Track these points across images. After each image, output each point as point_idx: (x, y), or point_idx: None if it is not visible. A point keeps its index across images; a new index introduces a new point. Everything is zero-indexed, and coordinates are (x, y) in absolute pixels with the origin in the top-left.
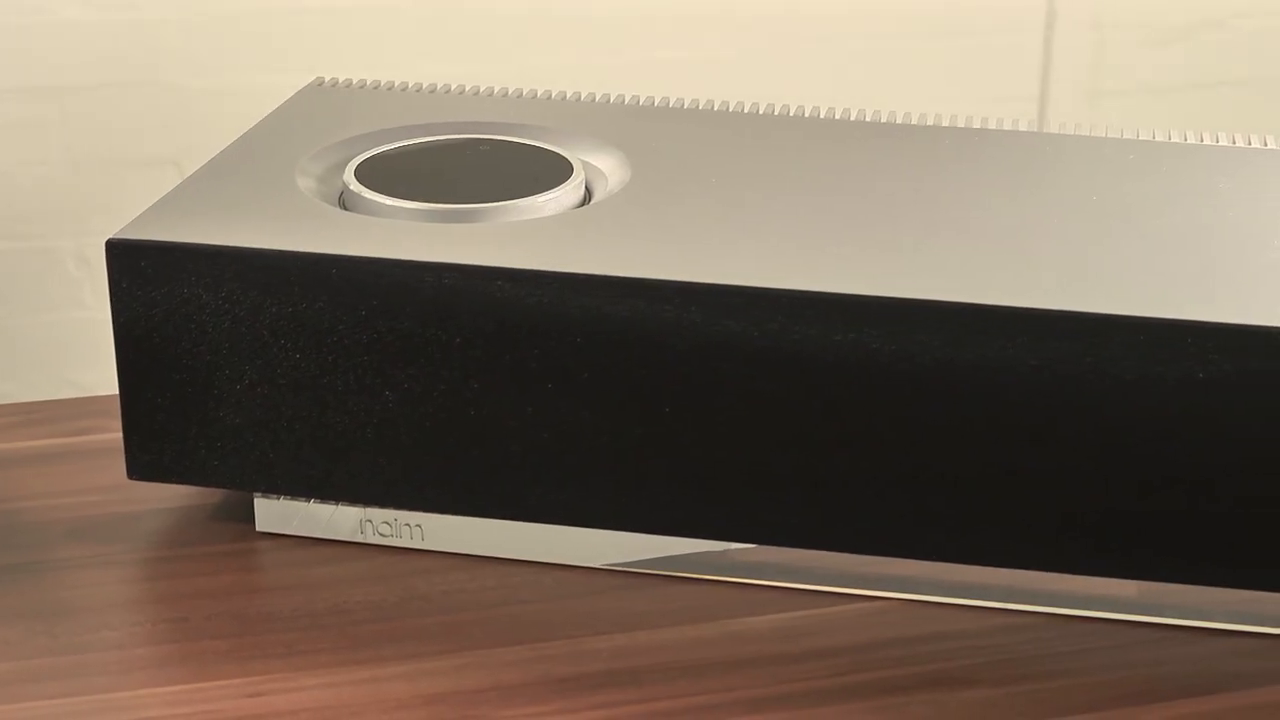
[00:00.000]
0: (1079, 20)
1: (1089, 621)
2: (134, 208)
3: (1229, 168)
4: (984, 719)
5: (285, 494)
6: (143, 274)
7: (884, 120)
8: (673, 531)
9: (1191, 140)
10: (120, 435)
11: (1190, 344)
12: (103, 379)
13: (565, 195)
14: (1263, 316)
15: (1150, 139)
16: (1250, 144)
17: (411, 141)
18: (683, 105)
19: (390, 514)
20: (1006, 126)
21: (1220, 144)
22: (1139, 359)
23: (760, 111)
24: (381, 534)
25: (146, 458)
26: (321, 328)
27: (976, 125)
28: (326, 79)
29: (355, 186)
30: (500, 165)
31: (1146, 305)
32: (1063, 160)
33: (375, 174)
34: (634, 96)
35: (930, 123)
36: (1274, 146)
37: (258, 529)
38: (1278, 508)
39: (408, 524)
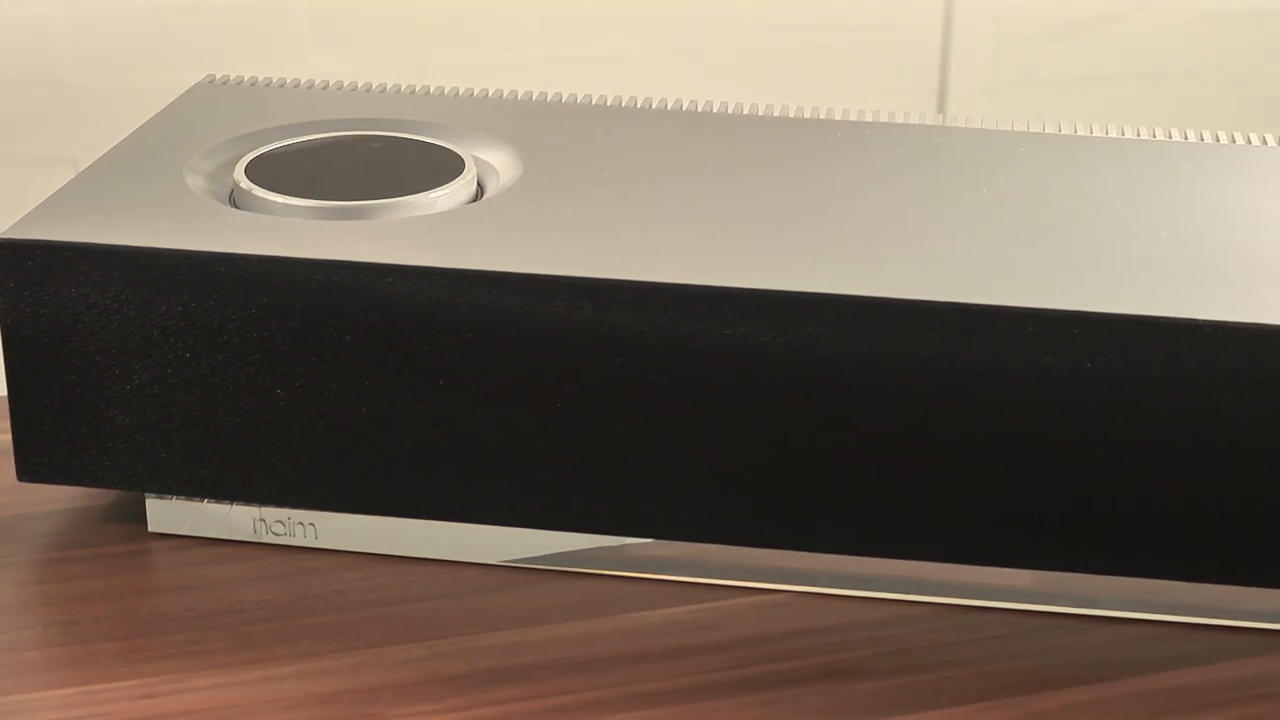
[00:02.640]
0: (979, 14)
1: (982, 611)
2: (30, 207)
3: (1120, 160)
4: (876, 710)
5: (177, 494)
6: (29, 274)
7: (777, 114)
8: (566, 527)
9: (1082, 132)
10: (9, 437)
11: (1078, 334)
12: None
13: (457, 191)
14: (1150, 306)
15: (1041, 131)
16: (1139, 136)
17: (303, 139)
18: (575, 101)
19: (284, 513)
20: (901, 119)
21: (1110, 136)
22: (1028, 350)
23: (653, 107)
24: (275, 533)
25: (36, 459)
26: (212, 327)
27: (869, 119)
28: (218, 76)
29: (246, 184)
30: (392, 162)
31: (1035, 296)
32: (954, 153)
33: (266, 171)
34: (527, 92)
35: (823, 116)
36: (1162, 138)
37: (150, 530)
38: (1167, 495)
39: (301, 523)
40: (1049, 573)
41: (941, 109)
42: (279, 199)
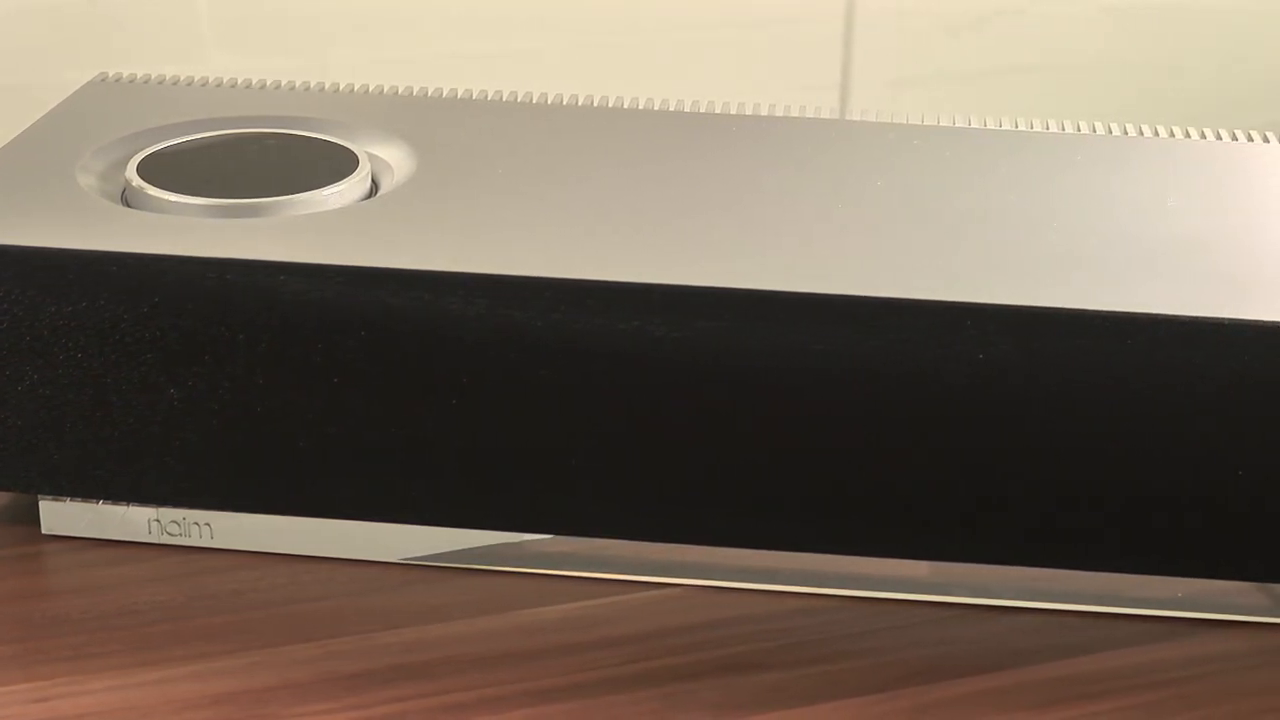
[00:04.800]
0: (880, 9)
1: (880, 603)
2: None
3: (1016, 152)
4: (775, 702)
5: (71, 496)
6: None
7: (674, 109)
8: (463, 524)
9: (976, 125)
10: None
11: (970, 326)
12: None
13: (350, 188)
14: (1042, 298)
15: (936, 124)
16: (1032, 128)
17: (196, 136)
18: (471, 96)
19: (179, 513)
20: (797, 113)
21: (1005, 129)
22: (921, 342)
23: (549, 102)
24: (170, 534)
25: None
26: (103, 327)
27: (765, 113)
28: (110, 74)
29: (137, 182)
30: (285, 159)
31: (926, 289)
32: (850, 147)
33: (158, 170)
34: (423, 89)
35: (719, 111)
36: (1055, 130)
37: (43, 531)
38: (1061, 485)
39: (197, 523)
40: (946, 563)
41: (845, 104)
42: (171, 197)
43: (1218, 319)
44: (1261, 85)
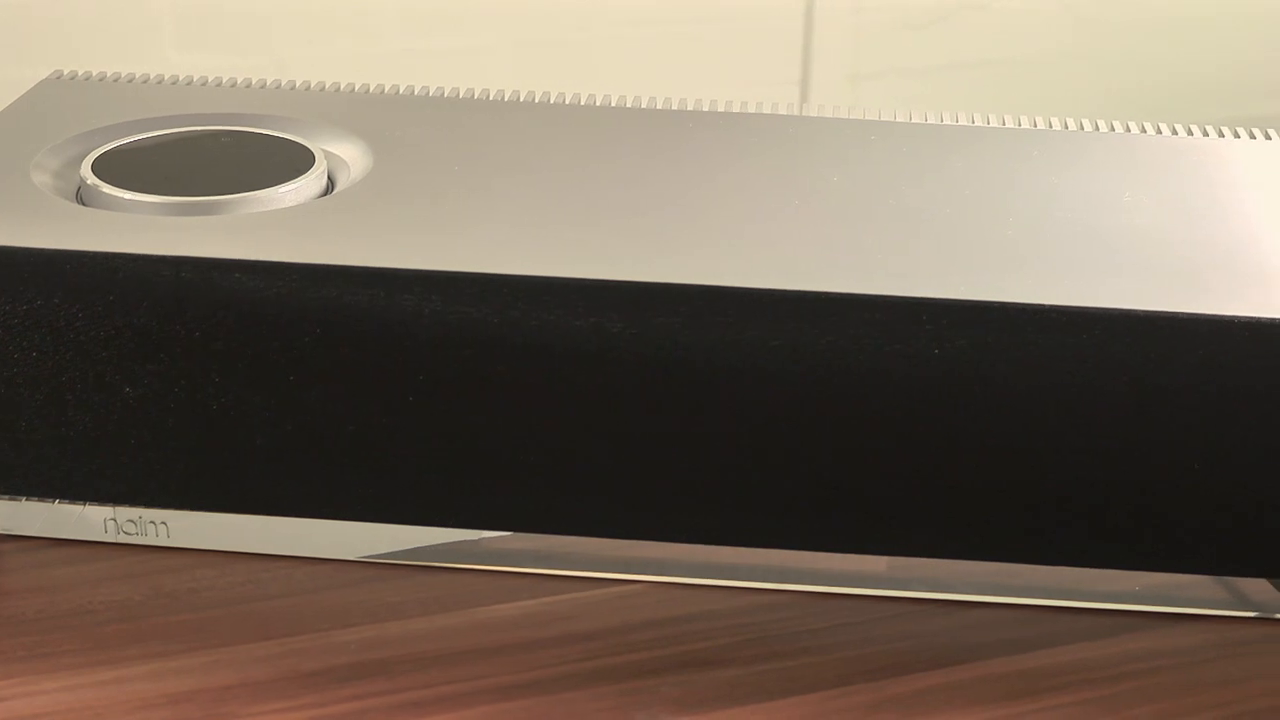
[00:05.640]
0: (839, 4)
1: (839, 598)
2: None
3: (972, 147)
4: (734, 698)
5: (27, 495)
6: None
7: (631, 105)
8: (421, 521)
9: (933, 120)
10: None
11: (926, 321)
12: None
13: (306, 186)
14: (997, 292)
15: (894, 120)
16: (989, 123)
17: (151, 134)
18: (427, 94)
19: (136, 512)
20: (754, 109)
21: (961, 124)
22: (876, 337)
23: (506, 99)
24: (127, 533)
25: None
26: (58, 325)
27: (722, 109)
28: (65, 71)
29: (92, 180)
30: (242, 157)
31: (882, 284)
32: (807, 143)
33: (113, 168)
34: (379, 86)
35: (676, 106)
36: (1012, 125)
37: None
38: (1018, 479)
39: (153, 522)
40: (904, 558)
41: (804, 99)
42: (126, 195)
43: (1173, 313)
44: (1217, 82)
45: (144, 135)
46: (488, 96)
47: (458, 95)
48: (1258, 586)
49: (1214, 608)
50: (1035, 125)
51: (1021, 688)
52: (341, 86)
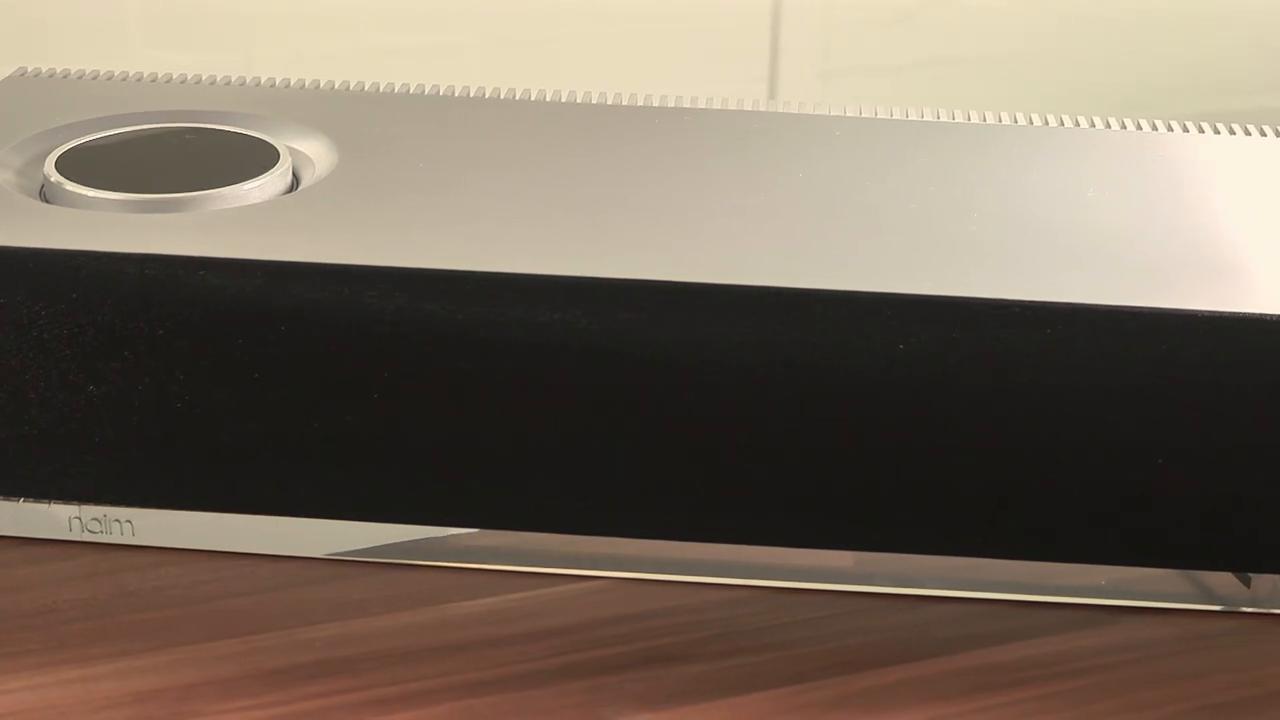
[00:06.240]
0: (807, 1)
1: (803, 593)
2: None
3: (938, 142)
4: (700, 693)
5: None
6: None
7: (595, 102)
8: (387, 518)
9: (898, 116)
10: None
11: (890, 316)
12: None
13: (271, 183)
14: (962, 287)
15: (859, 115)
16: (954, 119)
17: (115, 131)
18: (393, 90)
19: (100, 510)
20: (719, 106)
21: (926, 120)
22: (841, 332)
23: (472, 96)
24: (91, 531)
25: None
26: (21, 323)
27: (688, 105)
28: (29, 68)
29: (56, 178)
30: (206, 154)
31: (846, 279)
32: (773, 139)
33: (77, 165)
34: (344, 83)
35: (642, 103)
36: (977, 121)
37: None
38: (982, 474)
39: (118, 520)
40: (869, 553)
41: (772, 96)
42: (90, 193)
43: (1136, 308)
44: (1183, 77)
45: (108, 132)
46: (454, 93)
47: (423, 92)
48: (1223, 580)
49: (1179, 601)
50: (1000, 121)
51: (986, 682)
52: (308, 83)
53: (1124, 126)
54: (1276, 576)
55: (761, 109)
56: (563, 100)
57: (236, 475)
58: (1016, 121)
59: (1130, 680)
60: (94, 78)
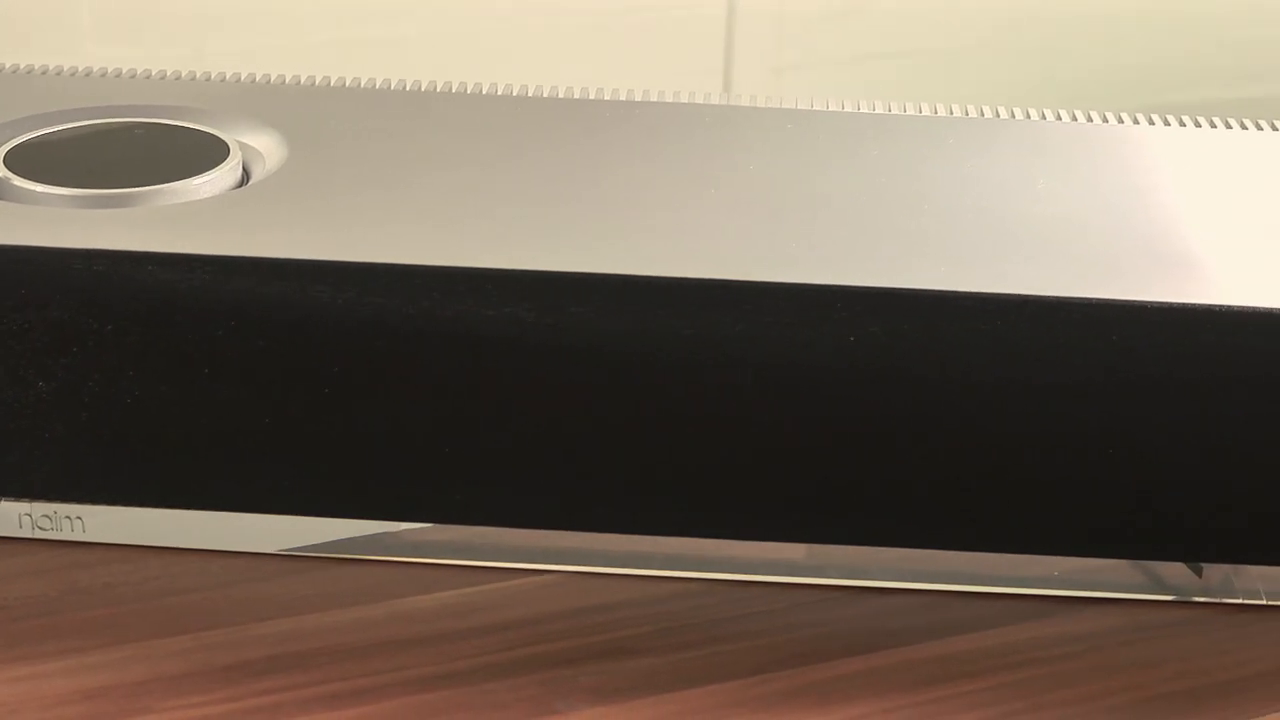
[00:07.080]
0: None
1: (756, 585)
2: None
3: (890, 135)
4: (652, 687)
5: None
6: None
7: (546, 95)
8: (338, 514)
9: (849, 109)
10: None
11: (840, 309)
12: None
13: (221, 177)
14: (911, 280)
15: (810, 108)
16: (905, 111)
17: (64, 127)
18: (344, 84)
19: (51, 507)
20: (671, 99)
21: (878, 112)
22: (790, 325)
23: (423, 89)
24: (42, 528)
25: None
26: None
27: (640, 99)
28: None
29: (3, 174)
30: (156, 149)
31: (796, 271)
32: (726, 132)
33: (25, 161)
34: (295, 77)
35: (594, 96)
36: (928, 113)
37: None
38: (931, 466)
39: (69, 516)
40: (821, 545)
41: (728, 89)
42: (38, 188)
43: (1085, 298)
44: (1136, 70)
45: (57, 128)
46: (405, 88)
47: (374, 86)
48: (1174, 570)
49: (1131, 591)
50: (952, 113)
51: (939, 673)
52: (259, 78)
53: (1075, 119)
54: (1228, 566)
55: (715, 102)
56: (514, 95)
57: (186, 471)
58: (968, 114)
59: (1082, 670)
60: (44, 73)
